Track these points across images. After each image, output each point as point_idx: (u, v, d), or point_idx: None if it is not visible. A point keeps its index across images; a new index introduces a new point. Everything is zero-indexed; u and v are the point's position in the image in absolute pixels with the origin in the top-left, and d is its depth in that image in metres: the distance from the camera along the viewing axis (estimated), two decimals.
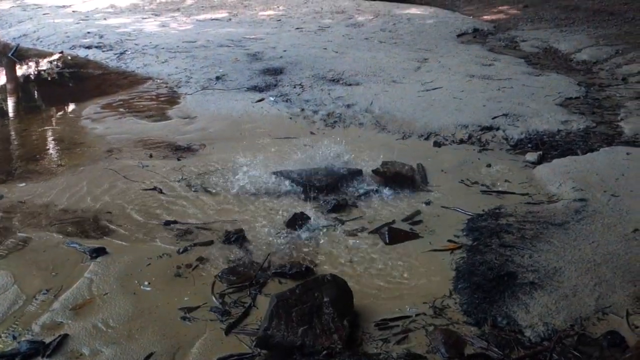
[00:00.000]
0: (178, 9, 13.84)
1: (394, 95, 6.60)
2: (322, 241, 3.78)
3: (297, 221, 3.94)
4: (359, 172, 4.63)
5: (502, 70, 7.72)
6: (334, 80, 7.37)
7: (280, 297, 2.91)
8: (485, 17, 12.24)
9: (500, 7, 12.84)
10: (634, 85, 6.94)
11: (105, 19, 12.51)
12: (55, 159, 5.23)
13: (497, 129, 5.58)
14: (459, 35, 10.49)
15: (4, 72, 8.86)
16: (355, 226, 3.96)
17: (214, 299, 3.23)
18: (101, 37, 10.51)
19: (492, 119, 5.76)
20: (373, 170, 4.61)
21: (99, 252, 3.64)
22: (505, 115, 5.84)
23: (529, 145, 5.28)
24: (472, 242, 3.69)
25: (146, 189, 4.51)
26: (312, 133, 5.74)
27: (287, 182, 4.50)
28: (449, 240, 3.74)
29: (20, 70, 8.93)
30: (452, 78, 7.33)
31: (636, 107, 6.08)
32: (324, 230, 3.90)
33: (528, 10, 12.13)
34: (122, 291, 3.30)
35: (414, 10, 12.97)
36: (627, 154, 4.84)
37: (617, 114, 5.97)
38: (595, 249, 3.50)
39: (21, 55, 9.83)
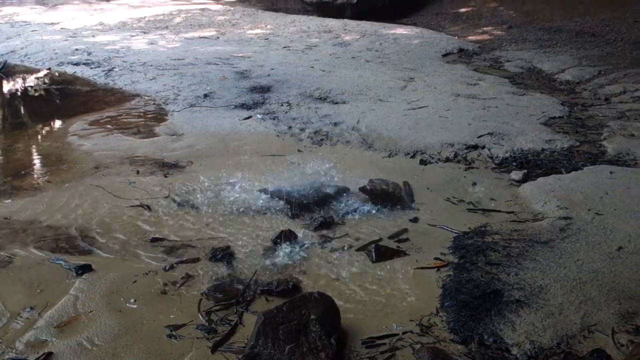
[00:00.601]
0: (166, 27, 13.87)
1: (380, 114, 6.63)
2: (309, 259, 3.76)
3: (284, 238, 3.92)
4: (346, 190, 4.63)
5: (487, 90, 7.79)
6: (321, 98, 7.40)
7: (267, 314, 2.89)
8: (470, 37, 12.37)
9: (485, 28, 13.00)
10: (616, 105, 7.02)
11: (93, 36, 12.50)
12: (42, 175, 5.18)
13: (483, 147, 5.61)
14: (444, 55, 10.59)
15: None
16: (342, 244, 3.95)
17: (200, 316, 3.20)
18: (89, 54, 10.50)
19: (478, 137, 5.80)
20: (360, 188, 4.62)
21: (84, 269, 3.60)
22: (490, 134, 5.88)
23: (514, 163, 5.32)
24: (459, 259, 3.69)
25: (133, 206, 4.47)
26: (299, 151, 5.74)
27: (274, 200, 4.49)
28: (436, 258, 3.74)
29: (7, 86, 8.87)
30: (438, 97, 7.38)
31: (619, 126, 6.15)
32: (311, 247, 3.89)
33: (512, 31, 12.29)
34: (107, 309, 3.25)
35: (400, 30, 13.09)
36: (611, 172, 4.88)
37: (600, 133, 6.03)
38: (581, 267, 3.51)
39: (9, 71, 9.77)
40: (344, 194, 4.59)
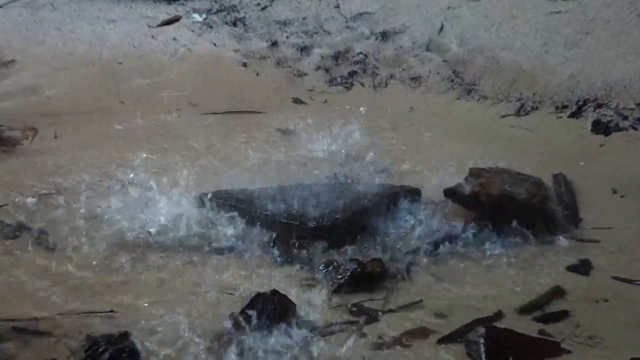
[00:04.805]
0: None
1: (493, 11, 6.67)
2: None
3: (262, 314, 3.94)
4: (412, 195, 4.70)
5: None
6: None
7: None
8: None
9: None
10: None
11: None
12: None
13: None
14: None
15: None
16: (404, 326, 3.97)
17: None
18: None
19: None
20: (446, 191, 4.66)
21: None
22: None
23: None
24: None
25: None
26: (296, 101, 5.80)
27: (237, 219, 4.54)
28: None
29: None
30: None
31: None
32: (329, 335, 3.91)
33: None
34: None
35: None
36: None
37: None
38: None
39: None
40: (410, 205, 4.66)
